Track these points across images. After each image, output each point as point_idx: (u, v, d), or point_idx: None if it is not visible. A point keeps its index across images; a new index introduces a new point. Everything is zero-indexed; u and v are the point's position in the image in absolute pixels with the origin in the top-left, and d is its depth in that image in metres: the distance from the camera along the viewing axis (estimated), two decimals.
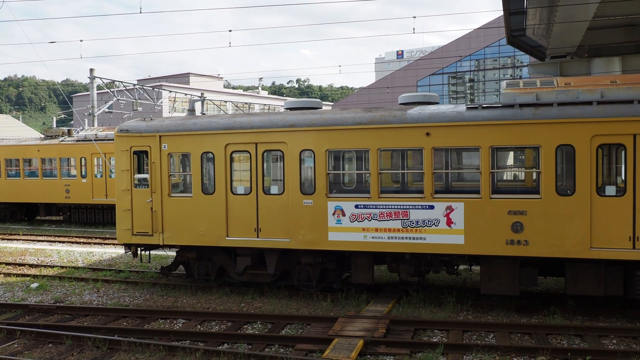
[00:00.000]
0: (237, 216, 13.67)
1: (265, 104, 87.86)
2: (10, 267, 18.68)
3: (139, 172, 14.79)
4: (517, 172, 13.36)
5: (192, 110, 16.48)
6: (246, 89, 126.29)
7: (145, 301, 14.06)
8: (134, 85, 39.35)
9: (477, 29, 62.35)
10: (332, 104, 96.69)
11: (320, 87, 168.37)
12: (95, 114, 35.12)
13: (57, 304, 13.51)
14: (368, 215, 12.60)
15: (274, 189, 13.54)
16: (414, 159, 13.37)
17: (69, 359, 10.14)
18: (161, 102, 45.80)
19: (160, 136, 14.29)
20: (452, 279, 15.29)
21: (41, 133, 39.11)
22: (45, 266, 18.45)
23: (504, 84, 12.63)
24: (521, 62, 61.54)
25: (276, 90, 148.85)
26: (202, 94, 49.40)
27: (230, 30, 28.06)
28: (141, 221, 14.50)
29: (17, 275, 17.18)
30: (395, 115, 12.57)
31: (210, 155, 13.91)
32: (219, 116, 14.56)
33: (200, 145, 13.95)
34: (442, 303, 12.80)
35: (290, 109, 14.44)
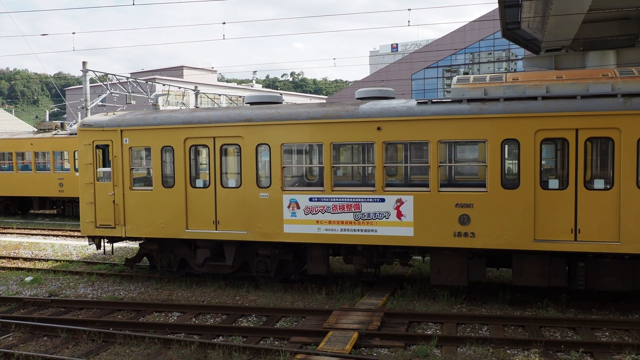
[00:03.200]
0: (196, 209, 13.94)
1: None
2: (4, 260, 18.62)
3: (103, 166, 15.00)
4: (464, 166, 13.63)
5: (155, 105, 16.68)
6: (240, 82, 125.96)
7: (140, 294, 14.06)
8: (127, 78, 39.15)
9: (472, 22, 62.36)
10: (326, 97, 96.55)
11: (314, 80, 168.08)
12: (89, 108, 34.93)
13: (52, 298, 13.49)
14: (322, 208, 12.86)
15: (232, 183, 13.80)
16: (365, 153, 13.58)
17: (64, 352, 10.13)
18: (155, 96, 45.67)
19: (121, 130, 14.51)
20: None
21: (34, 127, 38.92)
22: (39, 260, 18.40)
23: (455, 79, 12.85)
24: (516, 56, 61.61)
25: (270, 84, 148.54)
26: (195, 87, 49.23)
27: (224, 23, 27.91)
28: (104, 214, 14.74)
29: (11, 268, 17.13)
30: (348, 110, 12.77)
31: (170, 149, 14.14)
32: (178, 111, 14.83)
33: (160, 140, 14.18)
34: (436, 296, 12.85)
35: (251, 103, 14.65)
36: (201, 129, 13.82)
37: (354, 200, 12.66)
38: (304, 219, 12.98)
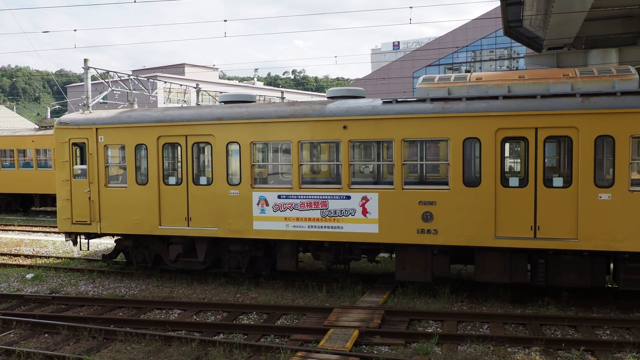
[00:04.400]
0: (168, 206, 14.20)
1: (261, 95, 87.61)
2: (5, 257, 18.65)
3: (79, 164, 15.27)
4: (428, 164, 13.88)
5: (132, 103, 17.00)
6: (241, 80, 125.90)
7: (141, 292, 14.07)
8: (129, 75, 39.12)
9: (474, 19, 62.22)
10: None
11: (316, 78, 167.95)
12: (90, 105, 34.87)
13: (53, 295, 13.51)
14: (290, 205, 13.09)
15: (203, 180, 14.02)
16: (332, 151, 13.77)
17: (65, 349, 10.14)
18: (156, 93, 45.60)
19: (97, 129, 14.80)
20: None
21: (35, 124, 38.90)
22: (40, 257, 18.43)
23: (420, 79, 13.02)
24: (518, 54, 61.43)
25: (272, 82, 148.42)
26: (197, 84, 49.21)
27: (226, 20, 27.87)
28: (80, 210, 15.04)
29: (13, 265, 17.16)
30: (315, 109, 13.02)
31: (143, 147, 14.40)
32: (151, 109, 15.16)
33: (134, 138, 14.44)
34: (437, 294, 12.85)
35: (224, 102, 14.86)
36: (174, 127, 14.08)
37: (320, 197, 12.89)
38: (273, 216, 13.23)
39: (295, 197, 13.06)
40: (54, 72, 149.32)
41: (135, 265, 15.41)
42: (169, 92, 45.42)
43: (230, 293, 13.64)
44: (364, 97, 13.82)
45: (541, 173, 11.58)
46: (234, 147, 13.56)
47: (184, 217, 14.04)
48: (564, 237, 11.46)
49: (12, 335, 10.93)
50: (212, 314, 12.16)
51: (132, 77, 39.46)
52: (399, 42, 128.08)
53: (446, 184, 12.19)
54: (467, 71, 67.46)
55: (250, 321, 11.61)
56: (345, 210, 12.70)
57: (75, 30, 29.89)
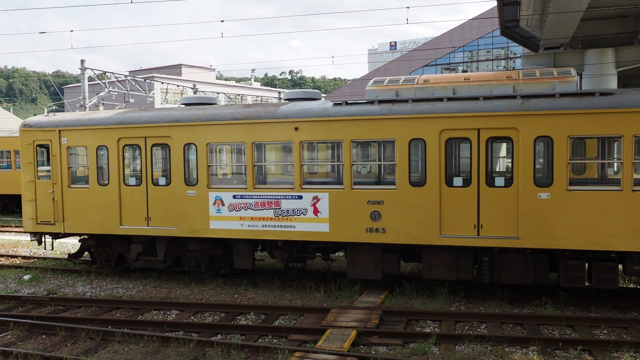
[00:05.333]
0: (129, 206, 14.52)
1: (257, 96, 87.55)
2: (2, 258, 18.61)
3: (43, 165, 15.55)
4: (376, 164, 14.15)
5: (98, 105, 17.31)
6: (239, 80, 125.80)
7: (139, 292, 14.06)
8: (126, 76, 39.10)
9: (471, 19, 62.28)
10: (325, 95, 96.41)
11: (313, 78, 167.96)
12: (87, 106, 34.88)
13: (50, 296, 13.49)
14: (244, 205, 13.39)
15: (162, 181, 14.34)
16: (285, 152, 14.04)
17: (63, 350, 10.13)
18: (153, 94, 45.55)
19: (60, 131, 15.11)
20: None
21: None
22: (38, 258, 18.40)
23: (371, 81, 13.28)
24: (514, 54, 61.56)
25: (269, 82, 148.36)
26: (194, 85, 49.16)
27: (223, 21, 27.86)
28: (44, 211, 15.37)
29: (10, 267, 17.12)
30: (268, 111, 13.34)
31: (104, 148, 14.72)
32: (112, 112, 15.48)
33: (96, 139, 14.76)
34: (435, 294, 12.86)
35: (186, 104, 15.11)
36: (133, 129, 14.40)
37: (274, 197, 13.20)
38: (228, 216, 13.53)
39: (249, 197, 13.36)
40: (50, 73, 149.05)
41: (99, 264, 15.85)
42: (166, 92, 45.41)
43: (227, 294, 13.63)
44: (320, 99, 14.13)
45: (484, 173, 11.86)
46: (191, 149, 13.90)
47: (144, 217, 14.36)
48: (506, 236, 11.75)
49: (9, 337, 10.91)
50: (210, 315, 12.15)
51: (129, 77, 39.48)
52: (396, 42, 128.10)
53: (393, 183, 12.51)
54: (464, 71, 67.61)
55: (248, 322, 11.60)
56: (297, 210, 13.00)
57: (72, 31, 29.87)
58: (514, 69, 62.10)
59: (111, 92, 36.91)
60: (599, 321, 10.88)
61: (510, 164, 11.90)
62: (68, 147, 15.06)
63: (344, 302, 12.41)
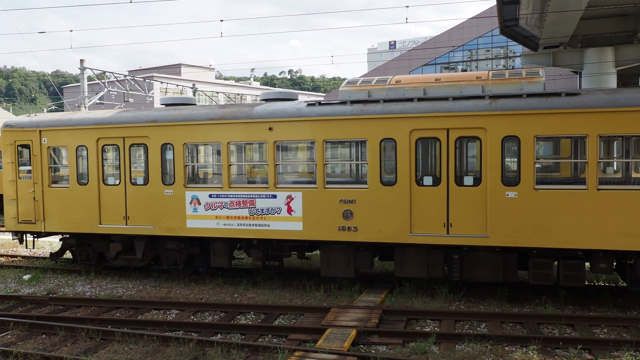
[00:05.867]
0: (108, 205, 14.74)
1: (257, 95, 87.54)
2: (2, 258, 18.61)
3: (25, 165, 15.80)
4: (348, 164, 14.34)
5: (79, 106, 17.41)
6: (238, 80, 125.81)
7: (139, 292, 14.06)
8: (125, 76, 39.09)
9: (470, 19, 62.26)
10: (324, 94, 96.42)
11: (312, 77, 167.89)
12: (86, 106, 34.88)
13: (50, 295, 13.49)
14: (220, 204, 13.58)
15: (140, 180, 14.57)
16: (260, 152, 14.34)
17: (63, 350, 10.12)
18: (152, 93, 45.54)
19: (40, 131, 15.33)
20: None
21: None
22: (37, 258, 18.39)
23: (344, 82, 13.45)
24: (514, 53, 61.53)
25: (268, 81, 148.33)
26: (193, 84, 49.15)
27: (222, 20, 27.81)
28: (25, 210, 15.64)
29: (10, 266, 17.12)
30: (244, 111, 13.51)
31: (84, 148, 14.93)
32: (91, 112, 15.64)
33: (76, 140, 14.97)
34: (435, 293, 12.86)
35: (167, 105, 15.33)
36: (112, 130, 14.60)
37: (249, 196, 13.38)
38: (205, 215, 13.73)
39: (225, 196, 13.54)
40: (50, 72, 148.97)
41: (80, 262, 16.06)
42: (166, 92, 45.43)
43: (227, 293, 13.63)
44: (296, 99, 14.27)
45: (453, 172, 12.03)
46: (168, 148, 14.10)
47: (122, 216, 14.59)
48: (475, 234, 11.91)
49: (9, 337, 10.91)
50: (210, 314, 12.15)
51: (128, 77, 39.46)
52: (395, 41, 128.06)
53: (365, 183, 12.64)
54: (464, 70, 67.62)
55: (247, 321, 11.60)
56: (272, 209, 13.18)
57: (71, 31, 29.84)
58: (513, 67, 62.09)
59: (111, 92, 36.91)
60: (599, 320, 10.88)
61: (478, 164, 12.05)
62: (48, 147, 15.31)
63: (344, 301, 12.41)
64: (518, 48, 54.20)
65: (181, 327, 11.10)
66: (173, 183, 13.98)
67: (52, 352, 9.91)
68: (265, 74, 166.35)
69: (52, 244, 20.83)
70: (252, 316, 11.90)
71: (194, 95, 48.35)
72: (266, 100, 14.33)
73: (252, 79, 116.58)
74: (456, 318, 11.29)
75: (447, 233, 12.06)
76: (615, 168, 13.29)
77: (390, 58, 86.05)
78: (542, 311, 11.57)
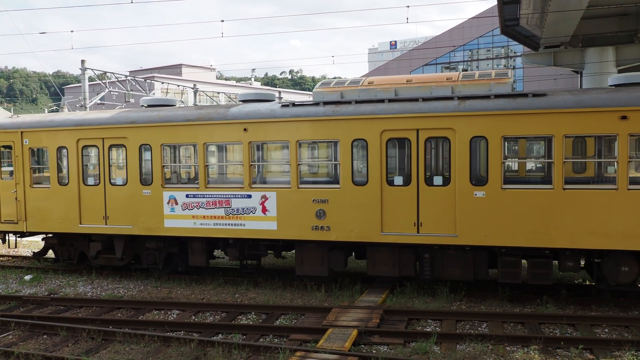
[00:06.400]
0: (88, 205, 14.97)
1: None
2: (3, 259, 18.62)
3: (7, 166, 16.10)
4: (321, 164, 14.56)
5: (62, 107, 17.66)
6: (239, 80, 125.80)
7: (140, 292, 14.06)
8: (126, 76, 39.07)
9: (471, 18, 62.25)
10: None
11: (313, 77, 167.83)
12: (87, 106, 34.89)
13: (52, 296, 13.50)
14: (197, 204, 13.79)
15: (119, 180, 14.76)
16: (236, 152, 14.51)
17: (64, 350, 10.13)
18: (153, 94, 45.56)
19: (22, 132, 15.59)
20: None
21: None
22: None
23: (319, 83, 13.66)
24: (515, 52, 61.51)
25: (269, 82, 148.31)
26: (194, 85, 49.15)
27: (223, 21, 27.85)
28: (8, 210, 15.90)
29: (11, 267, 17.14)
30: (219, 112, 13.70)
31: (64, 149, 15.16)
32: (72, 114, 15.94)
33: (56, 141, 15.21)
34: (436, 293, 12.86)
35: (148, 105, 15.54)
36: (92, 131, 14.82)
37: (224, 196, 13.57)
38: (182, 214, 13.95)
39: (201, 196, 13.74)
40: (51, 73, 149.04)
41: (62, 261, 16.27)
42: (167, 92, 45.41)
43: (228, 293, 13.64)
44: (273, 101, 14.42)
45: (422, 172, 12.20)
46: (146, 149, 14.30)
47: (102, 215, 14.79)
48: (444, 233, 12.07)
49: (10, 337, 10.92)
50: (211, 315, 12.15)
51: (129, 78, 39.45)
52: (396, 41, 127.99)
53: (337, 183, 12.81)
54: (464, 70, 67.55)
55: (249, 321, 11.60)
56: (247, 209, 13.37)
57: (72, 32, 29.87)
58: (514, 67, 62.04)
59: (112, 92, 36.91)
60: (600, 320, 10.87)
61: (447, 164, 12.19)
62: (30, 148, 15.54)
63: (345, 301, 12.41)
64: (519, 48, 54.16)
65: (182, 328, 11.11)
66: (151, 183, 14.20)
67: (53, 352, 9.92)
68: (266, 74, 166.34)
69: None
70: (253, 316, 11.91)
71: (195, 95, 48.37)
72: (244, 101, 14.51)
73: (253, 79, 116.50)
74: (457, 318, 11.29)
75: (417, 232, 12.23)
76: (581, 168, 13.65)
77: (391, 58, 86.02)
78: (543, 311, 11.57)
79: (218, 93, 54.43)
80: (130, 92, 37.72)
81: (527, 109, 11.46)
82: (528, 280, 12.02)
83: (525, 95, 11.69)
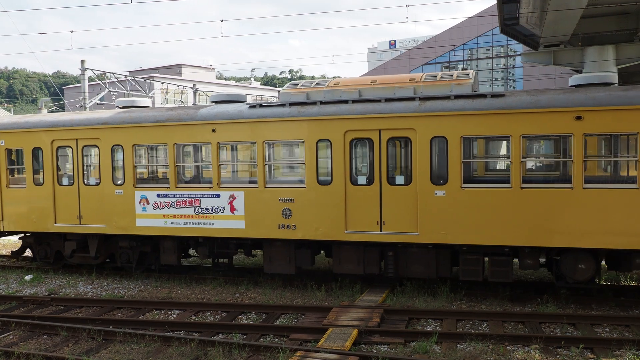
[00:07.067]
0: (63, 205, 15.23)
1: (257, 95, 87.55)
2: (4, 259, 18.61)
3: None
4: (288, 164, 14.78)
5: (40, 109, 17.86)
6: (238, 80, 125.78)
7: (140, 292, 14.06)
8: (126, 76, 39.08)
9: (470, 17, 62.23)
10: None
11: (312, 77, 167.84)
12: (87, 106, 34.88)
13: (52, 296, 13.50)
14: (167, 203, 14.01)
15: (92, 180, 15.02)
16: (204, 153, 14.74)
17: (64, 350, 10.13)
18: (153, 94, 45.54)
19: None
20: None
21: None
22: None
23: (286, 85, 13.88)
24: (514, 52, 61.49)
25: (268, 81, 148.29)
26: (194, 85, 49.15)
27: (222, 20, 27.83)
28: None
29: (11, 267, 17.13)
30: (189, 113, 13.93)
31: (39, 150, 15.42)
32: (47, 115, 16.08)
33: (32, 142, 15.48)
34: (436, 293, 12.86)
35: (124, 107, 15.74)
36: (66, 132, 15.07)
37: (194, 196, 13.80)
38: (153, 214, 14.18)
39: (172, 195, 13.96)
40: (51, 73, 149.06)
41: (39, 260, 16.45)
42: (166, 92, 45.41)
43: (229, 293, 13.64)
44: (244, 102, 14.54)
45: (385, 172, 12.38)
46: (118, 150, 14.54)
47: (76, 215, 15.04)
48: (406, 232, 12.26)
49: (11, 337, 10.93)
50: (211, 314, 12.15)
51: (129, 78, 39.45)
52: (395, 41, 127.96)
53: (303, 182, 13.03)
54: (464, 69, 67.51)
55: (249, 321, 11.60)
56: (216, 208, 13.59)
57: (72, 32, 29.86)
58: (514, 67, 62.01)
59: (111, 93, 36.91)
60: (601, 319, 10.87)
61: (409, 163, 12.34)
62: (6, 149, 15.77)
63: (345, 301, 12.41)
64: (518, 47, 54.16)
65: (183, 327, 11.11)
66: (123, 183, 14.44)
67: (53, 352, 9.92)
68: (266, 74, 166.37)
69: None
70: (254, 316, 11.91)
71: (195, 95, 48.37)
72: (216, 102, 14.69)
73: (252, 79, 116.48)
74: (458, 317, 11.29)
75: (380, 231, 12.41)
76: (537, 167, 13.77)
77: (391, 57, 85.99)
78: (543, 310, 11.57)
79: (218, 93, 54.33)
80: (130, 92, 37.72)
81: (486, 110, 11.65)
82: (489, 277, 12.23)
83: (484, 95, 11.88)
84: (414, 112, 12.07)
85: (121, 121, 14.43)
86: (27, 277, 15.59)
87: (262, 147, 13.11)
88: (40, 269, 16.65)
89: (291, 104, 13.12)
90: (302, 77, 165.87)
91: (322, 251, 14.25)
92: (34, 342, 10.65)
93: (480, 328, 10.79)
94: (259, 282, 14.37)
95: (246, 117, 13.27)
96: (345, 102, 12.71)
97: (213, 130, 13.46)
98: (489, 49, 65.26)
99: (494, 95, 11.79)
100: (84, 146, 14.92)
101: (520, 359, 9.20)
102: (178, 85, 47.52)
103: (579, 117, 11.11)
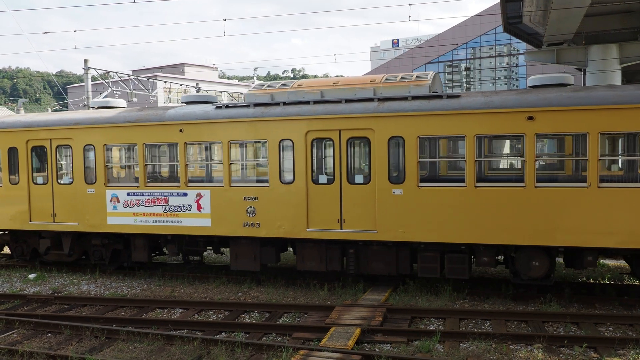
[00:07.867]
0: (37, 203, 15.60)
1: None
2: (6, 258, 18.64)
3: None
4: (252, 164, 14.98)
5: (19, 109, 18.16)
6: (241, 79, 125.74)
7: (143, 291, 14.09)
8: (129, 75, 39.12)
9: (473, 16, 62.10)
10: None
11: (315, 76, 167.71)
12: (90, 106, 34.89)
13: (55, 294, 13.53)
14: (137, 202, 14.35)
15: (66, 179, 15.41)
16: (173, 152, 14.94)
17: (68, 349, 10.15)
18: (156, 93, 45.59)
19: None
20: None
21: None
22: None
23: (252, 86, 14.15)
24: (517, 50, 61.35)
25: (271, 80, 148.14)
26: (197, 84, 49.17)
27: (225, 19, 27.83)
28: None
29: (15, 266, 17.17)
30: (157, 114, 14.25)
31: (15, 150, 15.78)
32: (22, 116, 16.39)
33: (7, 142, 15.86)
34: (439, 292, 12.85)
35: (98, 107, 16.17)
36: (40, 132, 15.43)
37: (162, 194, 14.13)
38: (123, 212, 14.52)
39: (141, 194, 14.30)
40: (54, 73, 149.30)
41: (16, 257, 16.86)
42: (169, 91, 45.46)
43: (231, 292, 13.65)
44: (214, 103, 14.77)
45: (345, 171, 12.64)
46: (90, 149, 14.85)
47: (50, 213, 15.41)
48: (365, 230, 12.54)
49: (15, 335, 10.95)
50: (214, 313, 12.16)
51: (132, 77, 39.50)
52: (398, 39, 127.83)
53: (267, 181, 13.30)
54: (467, 68, 67.50)
55: (252, 320, 11.61)
56: (183, 206, 13.92)
57: (75, 31, 29.90)
58: (517, 65, 61.88)
59: (114, 92, 36.95)
60: (604, 318, 10.85)
61: (368, 163, 12.54)
62: None
63: (348, 300, 12.41)
64: (522, 45, 54.04)
65: (185, 326, 11.12)
66: (95, 182, 14.75)
67: (57, 350, 9.95)
68: (269, 73, 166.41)
69: None
70: (256, 315, 11.92)
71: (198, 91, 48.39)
72: (186, 103, 14.92)
73: (255, 78, 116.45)
74: (460, 316, 11.28)
75: (341, 228, 12.69)
76: (493, 166, 14.14)
77: (394, 56, 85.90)
78: (546, 309, 11.55)
79: (220, 92, 54.42)
80: (133, 92, 37.75)
81: (442, 110, 11.87)
82: (446, 274, 12.41)
83: (440, 96, 12.13)
84: (373, 113, 12.30)
85: (93, 121, 14.74)
86: (31, 276, 15.63)
87: (228, 147, 13.38)
88: (44, 268, 16.68)
89: (256, 105, 13.38)
90: (304, 76, 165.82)
91: (290, 248, 14.55)
92: (38, 340, 10.68)
93: (483, 327, 10.78)
94: (261, 281, 14.37)
95: (212, 117, 13.56)
96: (307, 102, 12.96)
97: (180, 130, 13.74)
98: (492, 48, 65.13)
99: (449, 96, 12.01)
100: (58, 146, 15.26)
101: (524, 358, 9.18)
102: (181, 85, 47.55)
103: (530, 118, 11.31)
